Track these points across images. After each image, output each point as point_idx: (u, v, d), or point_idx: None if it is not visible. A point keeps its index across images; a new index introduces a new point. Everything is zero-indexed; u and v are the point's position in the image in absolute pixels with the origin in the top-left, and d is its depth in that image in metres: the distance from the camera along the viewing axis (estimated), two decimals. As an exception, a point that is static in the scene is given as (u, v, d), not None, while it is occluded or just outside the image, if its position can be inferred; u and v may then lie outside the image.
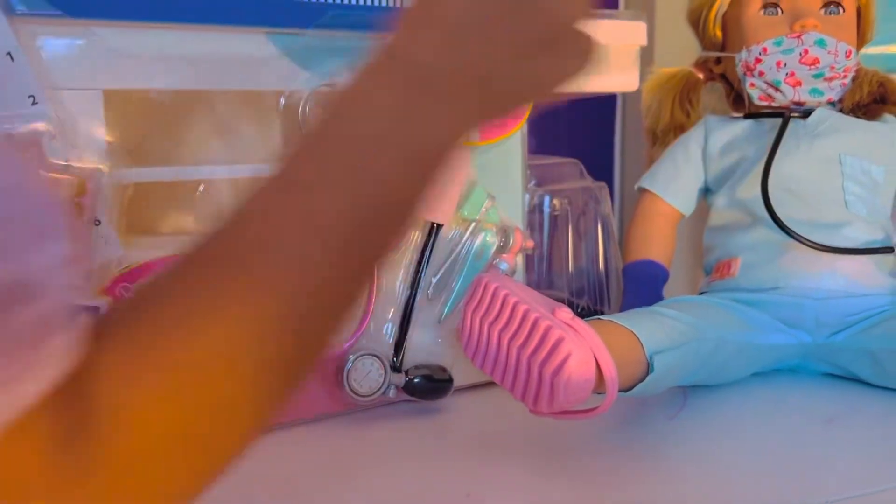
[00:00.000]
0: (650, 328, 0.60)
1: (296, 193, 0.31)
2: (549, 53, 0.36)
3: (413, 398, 0.64)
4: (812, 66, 0.75)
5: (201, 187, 0.58)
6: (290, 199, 0.31)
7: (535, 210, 0.84)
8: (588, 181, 0.87)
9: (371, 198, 0.32)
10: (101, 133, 0.54)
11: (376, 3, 0.77)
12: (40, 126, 0.50)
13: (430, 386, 0.64)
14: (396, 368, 0.63)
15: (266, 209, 0.31)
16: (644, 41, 0.74)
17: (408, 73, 0.34)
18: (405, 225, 0.35)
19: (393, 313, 0.65)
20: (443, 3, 0.35)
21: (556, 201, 0.86)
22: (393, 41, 0.35)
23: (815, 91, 0.76)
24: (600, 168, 1.30)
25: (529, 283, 0.78)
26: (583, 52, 0.38)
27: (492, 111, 0.37)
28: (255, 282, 0.29)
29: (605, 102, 1.24)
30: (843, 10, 0.77)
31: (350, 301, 0.34)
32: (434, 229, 0.65)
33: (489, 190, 0.68)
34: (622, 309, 0.77)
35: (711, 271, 0.79)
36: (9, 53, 0.49)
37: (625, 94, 1.13)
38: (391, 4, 0.78)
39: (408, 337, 0.64)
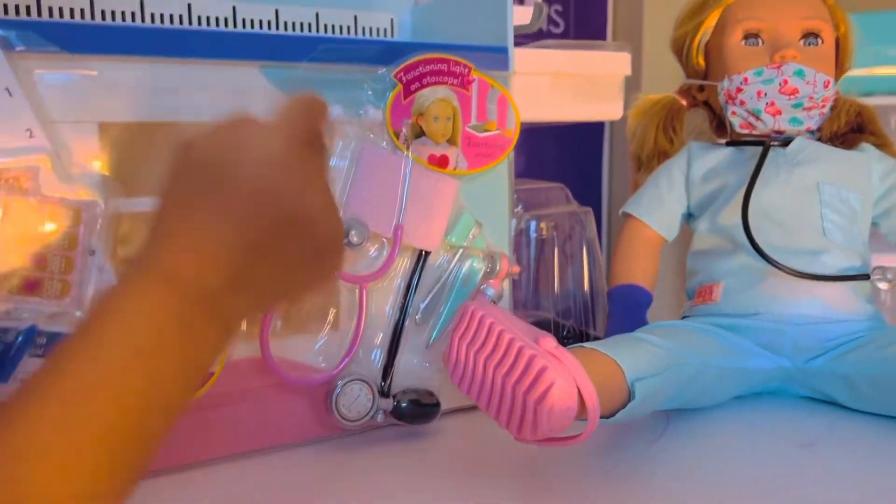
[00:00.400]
0: (632, 355, 0.61)
1: (71, 402, 0.33)
2: (310, 267, 0.41)
3: (401, 423, 0.65)
4: (791, 96, 0.77)
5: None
6: (65, 407, 0.32)
7: (521, 234, 0.86)
8: (574, 206, 0.89)
9: (146, 401, 0.34)
10: (96, 165, 0.55)
11: (365, 37, 0.79)
12: (37, 159, 0.52)
13: (418, 411, 0.65)
14: (384, 393, 0.65)
15: (44, 412, 0.32)
16: (628, 71, 0.75)
17: (186, 294, 0.36)
18: (174, 418, 0.36)
19: (381, 339, 0.66)
20: (219, 232, 0.37)
21: (542, 225, 0.88)
22: (170, 259, 0.36)
23: (794, 120, 0.78)
24: (589, 192, 1.33)
25: (517, 305, 0.80)
26: (336, 265, 0.44)
27: (256, 314, 0.42)
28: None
29: (594, 129, 1.26)
30: (822, 42, 0.79)
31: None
32: (422, 256, 0.66)
33: (476, 216, 0.69)
34: (607, 332, 0.79)
35: (694, 295, 0.80)
36: (7, 89, 0.50)
37: (612, 121, 1.15)
38: (379, 38, 0.80)
39: (396, 362, 0.66)
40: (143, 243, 0.38)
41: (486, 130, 0.67)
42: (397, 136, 0.64)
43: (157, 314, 0.35)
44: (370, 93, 0.63)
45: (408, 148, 0.64)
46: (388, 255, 0.64)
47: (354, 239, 0.62)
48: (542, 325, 0.88)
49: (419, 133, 0.65)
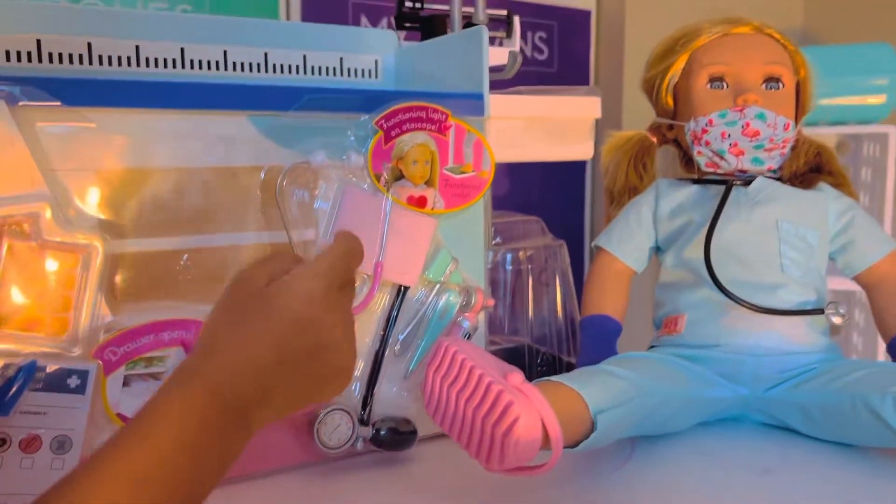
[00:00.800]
0: (595, 388, 0.65)
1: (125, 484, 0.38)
2: (325, 386, 0.50)
3: (380, 449, 0.69)
4: (753, 138, 0.81)
5: (185, 256, 0.63)
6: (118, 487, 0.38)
7: (498, 266, 0.90)
8: (549, 238, 0.93)
9: (188, 489, 0.40)
10: (94, 209, 0.59)
11: (350, 77, 0.83)
12: (38, 205, 0.55)
13: (396, 438, 0.69)
14: (364, 422, 0.68)
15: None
16: (598, 114, 0.80)
17: (226, 401, 0.43)
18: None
19: (362, 370, 0.70)
20: (259, 352, 0.45)
21: (519, 256, 0.92)
22: (216, 371, 0.43)
23: (756, 160, 0.82)
24: (572, 224, 1.38)
25: (496, 332, 0.83)
26: (342, 386, 0.51)
27: (274, 420, 0.47)
28: None
29: (577, 164, 1.31)
30: (783, 86, 0.83)
31: None
32: (401, 291, 0.70)
33: (453, 252, 0.73)
34: (578, 360, 0.83)
35: (661, 325, 0.84)
36: (10, 140, 0.54)
37: (595, 161, 1.19)
38: (363, 78, 0.84)
39: (375, 391, 0.69)
40: (193, 352, 0.45)
41: (463, 172, 0.71)
42: (378, 178, 0.68)
43: (201, 418, 0.41)
44: (353, 139, 0.67)
45: (388, 190, 0.68)
46: (368, 291, 0.68)
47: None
48: (517, 350, 0.92)
49: (399, 176, 0.69)
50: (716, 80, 0.84)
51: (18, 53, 0.69)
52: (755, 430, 0.78)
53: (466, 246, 0.74)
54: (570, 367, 0.93)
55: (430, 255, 0.71)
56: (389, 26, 1.22)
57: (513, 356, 0.89)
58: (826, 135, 1.48)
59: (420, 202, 0.70)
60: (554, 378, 0.66)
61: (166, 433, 0.40)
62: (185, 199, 0.62)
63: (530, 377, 0.61)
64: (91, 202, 0.59)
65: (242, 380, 0.44)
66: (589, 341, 0.85)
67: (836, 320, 0.78)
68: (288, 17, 1.07)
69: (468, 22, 0.85)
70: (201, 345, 0.46)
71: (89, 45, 0.72)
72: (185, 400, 0.42)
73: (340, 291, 0.51)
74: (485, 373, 0.59)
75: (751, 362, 0.77)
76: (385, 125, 0.67)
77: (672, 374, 0.74)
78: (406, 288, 0.70)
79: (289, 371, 0.46)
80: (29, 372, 0.55)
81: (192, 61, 0.76)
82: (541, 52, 1.45)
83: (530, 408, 0.56)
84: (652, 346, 0.84)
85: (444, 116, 0.70)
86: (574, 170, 1.34)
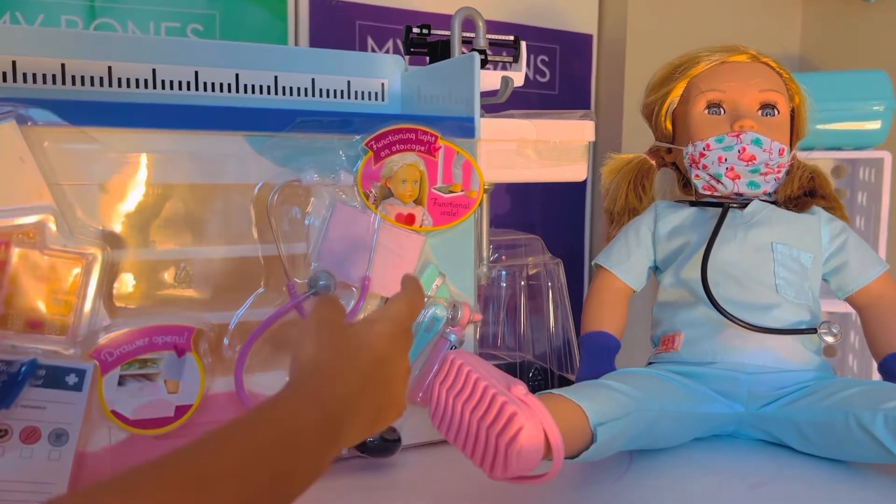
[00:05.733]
0: (595, 401, 0.67)
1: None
2: (385, 414, 0.55)
3: (364, 455, 0.72)
4: (749, 163, 0.83)
5: (180, 266, 0.67)
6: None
7: (494, 282, 0.92)
8: (546, 256, 0.95)
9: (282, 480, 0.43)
10: (95, 220, 0.63)
11: (357, 99, 0.87)
12: (44, 217, 0.60)
13: (381, 445, 0.71)
14: (348, 429, 0.71)
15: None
16: (592, 137, 0.82)
17: (327, 413, 0.48)
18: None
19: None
20: (350, 379, 0.51)
21: (518, 272, 0.94)
22: (321, 388, 0.49)
23: (752, 184, 0.84)
24: (573, 242, 1.40)
25: (491, 347, 0.86)
26: (398, 415, 0.57)
27: (349, 445, 0.52)
28: None
29: (577, 188, 1.33)
30: (778, 112, 0.85)
31: None
32: (388, 304, 0.73)
33: (442, 267, 0.76)
34: (578, 376, 0.85)
35: (658, 343, 0.86)
36: (20, 157, 0.59)
37: (594, 182, 1.21)
38: (370, 101, 0.88)
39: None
40: (294, 376, 0.51)
41: (452, 192, 0.74)
42: (367, 197, 0.71)
43: (305, 422, 0.46)
44: (344, 158, 0.71)
45: (376, 207, 0.71)
46: (355, 303, 0.71)
47: (322, 288, 0.69)
48: (514, 366, 0.94)
49: (388, 194, 0.72)
50: (713, 107, 0.86)
51: (44, 76, 0.74)
52: (750, 445, 0.80)
53: (456, 262, 0.77)
54: (564, 382, 0.95)
55: (418, 271, 0.74)
56: (395, 47, 1.25)
57: (509, 371, 0.91)
58: (823, 159, 1.49)
59: (409, 219, 0.73)
60: (555, 391, 0.68)
61: (275, 431, 0.44)
62: (181, 212, 0.66)
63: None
64: (93, 214, 0.62)
65: (339, 398, 0.49)
66: (588, 357, 0.87)
67: (829, 339, 0.79)
68: (297, 35, 1.11)
69: (472, 48, 0.89)
70: (301, 370, 0.51)
71: (109, 68, 0.77)
72: (294, 405, 0.47)
73: (405, 335, 0.58)
74: (490, 384, 0.61)
75: (745, 379, 0.78)
76: (375, 146, 0.71)
77: (669, 390, 0.76)
78: (393, 301, 0.73)
79: (368, 398, 0.52)
80: (30, 369, 0.60)
81: (204, 84, 0.81)
82: (543, 74, 1.47)
83: (533, 418, 0.59)
84: (650, 363, 0.86)
85: (433, 138, 0.73)
86: (574, 190, 1.36)
